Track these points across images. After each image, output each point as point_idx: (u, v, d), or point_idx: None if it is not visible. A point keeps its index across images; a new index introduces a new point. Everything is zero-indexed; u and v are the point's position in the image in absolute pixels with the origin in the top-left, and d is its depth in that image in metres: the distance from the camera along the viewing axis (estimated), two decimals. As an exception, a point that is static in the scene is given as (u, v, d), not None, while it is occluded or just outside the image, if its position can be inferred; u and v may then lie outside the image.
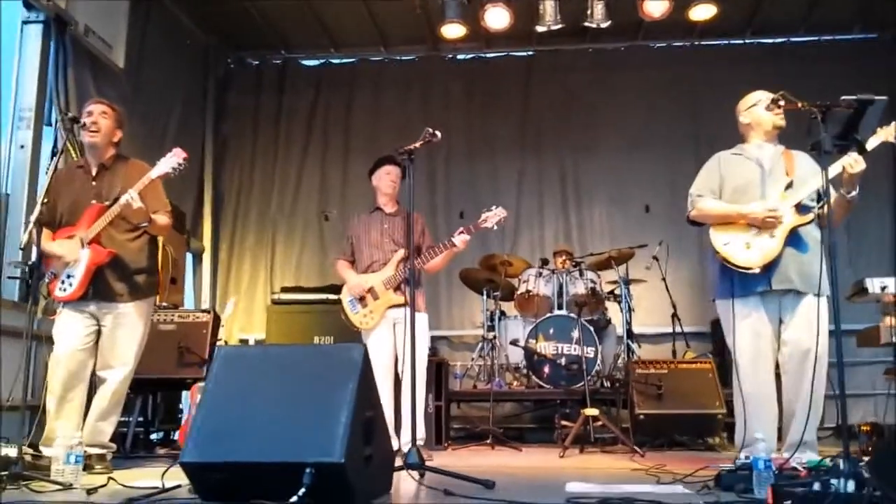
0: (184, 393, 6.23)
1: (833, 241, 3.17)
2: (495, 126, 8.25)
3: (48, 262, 4.10)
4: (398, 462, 3.53)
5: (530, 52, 8.47)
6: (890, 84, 6.71)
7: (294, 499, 2.50)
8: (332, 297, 6.84)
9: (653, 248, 6.94)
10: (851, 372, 4.84)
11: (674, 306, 6.80)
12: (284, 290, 7.27)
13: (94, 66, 6.04)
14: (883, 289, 4.35)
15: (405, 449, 3.90)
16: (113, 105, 4.30)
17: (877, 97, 3.22)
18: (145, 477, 3.62)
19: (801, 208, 3.82)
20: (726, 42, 8.31)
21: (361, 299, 4.92)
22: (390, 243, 5.02)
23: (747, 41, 8.28)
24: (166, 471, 3.31)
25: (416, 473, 3.47)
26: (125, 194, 3.95)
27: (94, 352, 4.16)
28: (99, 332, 4.16)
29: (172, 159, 4.04)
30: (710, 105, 8.03)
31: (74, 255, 4.01)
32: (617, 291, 6.62)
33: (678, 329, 6.80)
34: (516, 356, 6.44)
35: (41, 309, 4.67)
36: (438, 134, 4.04)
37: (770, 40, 8.29)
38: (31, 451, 3.81)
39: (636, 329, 6.75)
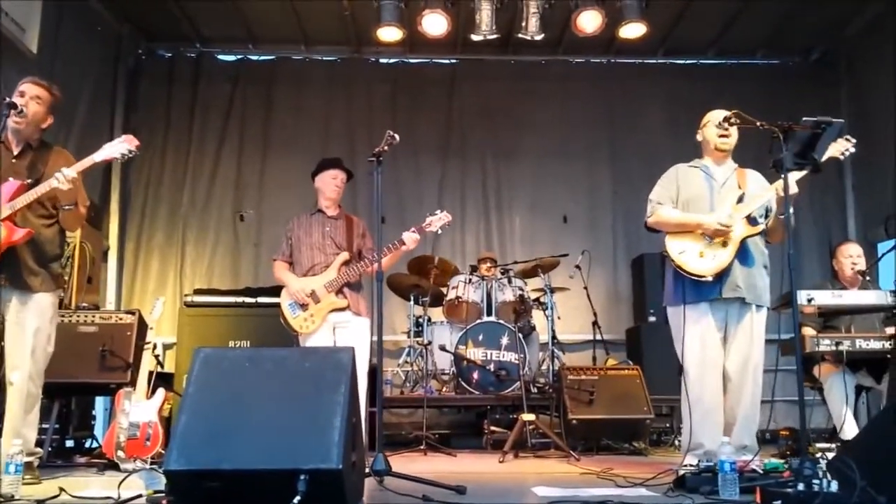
0: (98, 399, 5.92)
1: (789, 253, 3.35)
2: (419, 130, 8.21)
3: None
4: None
5: (454, 60, 8.51)
6: (791, 106, 7.19)
7: (290, 507, 2.41)
8: (247, 300, 6.65)
9: (574, 257, 7.11)
10: (768, 378, 5.07)
11: (594, 314, 6.97)
12: (197, 291, 6.97)
13: (4, 49, 5.63)
14: (809, 301, 4.59)
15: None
16: (50, 88, 4.00)
17: (834, 120, 3.42)
18: (87, 487, 3.41)
19: (751, 220, 4.01)
20: (640, 60, 8.62)
21: (302, 303, 4.79)
22: (332, 246, 4.94)
23: (660, 60, 8.62)
24: (123, 480, 3.14)
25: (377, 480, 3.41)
26: (59, 172, 3.68)
27: None
28: (2, 327, 3.80)
29: (122, 145, 3.81)
30: (625, 119, 8.41)
31: None
32: (543, 299, 6.73)
33: (598, 336, 6.98)
34: (443, 362, 6.42)
35: None
36: (397, 136, 4.01)
37: (681, 61, 8.67)
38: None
39: (559, 336, 6.88)
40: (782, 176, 3.74)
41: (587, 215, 8.25)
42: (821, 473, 2.64)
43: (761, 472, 3.29)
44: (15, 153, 3.91)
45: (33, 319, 3.82)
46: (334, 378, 2.70)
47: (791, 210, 3.93)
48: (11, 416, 3.77)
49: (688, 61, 8.67)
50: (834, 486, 2.52)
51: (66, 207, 3.89)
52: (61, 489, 3.12)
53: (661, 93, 8.39)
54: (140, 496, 2.95)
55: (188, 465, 2.48)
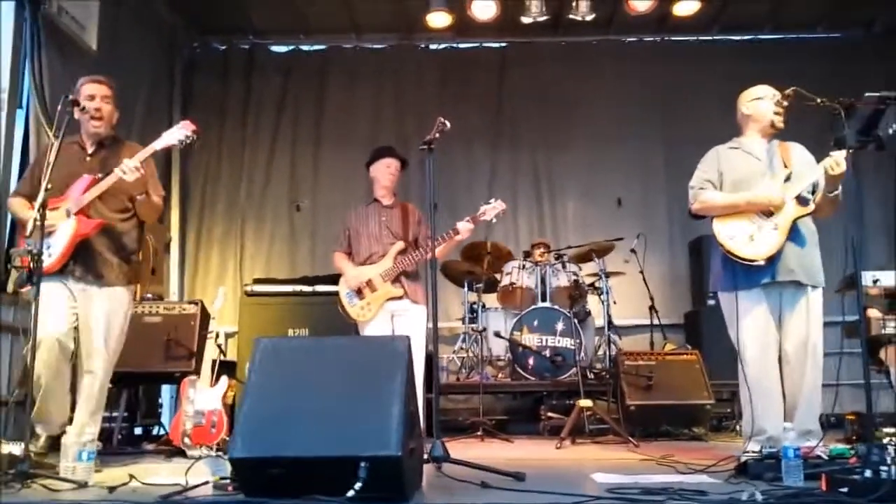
0: (165, 387, 6.08)
1: (853, 237, 3.25)
2: (469, 116, 8.09)
3: (23, 235, 3.86)
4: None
5: (503, 44, 8.46)
6: (853, 82, 6.93)
7: (351, 493, 2.46)
8: (305, 288, 6.74)
9: (629, 242, 7.02)
10: (832, 361, 4.94)
11: (651, 299, 6.88)
12: (257, 281, 7.10)
13: (65, 47, 5.80)
14: (875, 282, 4.46)
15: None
16: (110, 81, 4.11)
17: (900, 95, 3.30)
18: (156, 473, 3.52)
19: (801, 201, 3.90)
20: (695, 38, 8.45)
21: (359, 291, 4.85)
22: (388, 235, 4.97)
23: (715, 37, 8.43)
24: (190, 467, 3.22)
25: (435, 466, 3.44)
26: (121, 164, 3.77)
27: (73, 337, 3.88)
28: (78, 317, 3.89)
29: (180, 131, 3.89)
30: (679, 99, 8.23)
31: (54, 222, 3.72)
32: (597, 284, 6.67)
33: (655, 321, 6.89)
34: (498, 348, 6.43)
35: (12, 282, 4.44)
36: (448, 123, 4.02)
37: (737, 37, 8.47)
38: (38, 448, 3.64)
39: (614, 321, 6.82)
40: (831, 154, 3.65)
41: (641, 198, 8.13)
42: (889, 459, 2.57)
43: (826, 458, 3.22)
44: (89, 151, 4.05)
45: (107, 311, 3.93)
46: (391, 367, 2.74)
47: (840, 188, 3.82)
48: (85, 405, 3.91)
49: (744, 37, 8.46)
50: (902, 473, 2.45)
51: (139, 197, 3.99)
52: (131, 476, 3.22)
53: (717, 70, 8.14)
54: (207, 482, 3.02)
55: (251, 452, 2.55)
